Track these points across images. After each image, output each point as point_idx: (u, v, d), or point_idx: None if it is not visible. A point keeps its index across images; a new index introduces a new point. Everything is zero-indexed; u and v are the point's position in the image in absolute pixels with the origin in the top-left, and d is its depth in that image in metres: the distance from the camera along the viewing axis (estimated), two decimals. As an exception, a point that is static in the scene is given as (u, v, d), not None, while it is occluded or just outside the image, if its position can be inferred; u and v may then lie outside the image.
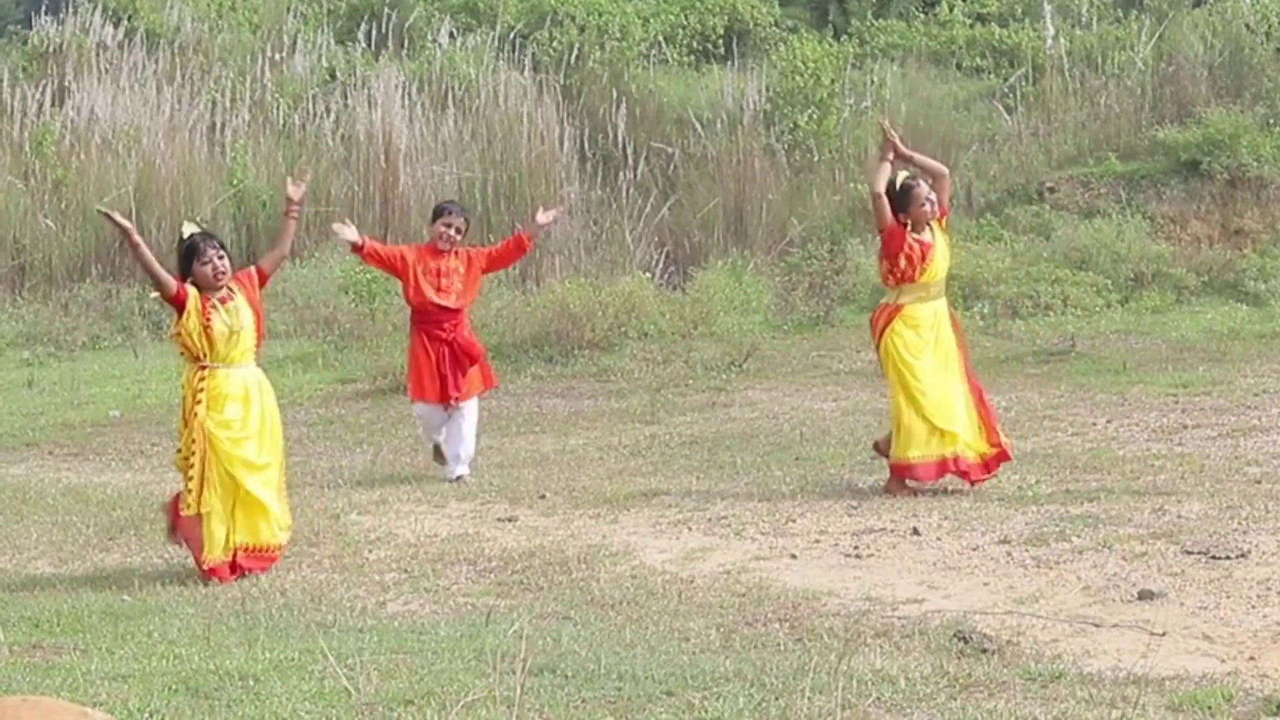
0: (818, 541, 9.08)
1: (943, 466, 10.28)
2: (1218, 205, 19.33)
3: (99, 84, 22.72)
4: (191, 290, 9.14)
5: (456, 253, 12.00)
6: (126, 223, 9.27)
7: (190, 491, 9.06)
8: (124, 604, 8.28)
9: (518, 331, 17.19)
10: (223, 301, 9.17)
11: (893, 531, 9.18)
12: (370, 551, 9.47)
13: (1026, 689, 6.07)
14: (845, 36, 24.92)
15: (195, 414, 9.06)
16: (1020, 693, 6.02)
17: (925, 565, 8.41)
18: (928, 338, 10.38)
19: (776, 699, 5.89)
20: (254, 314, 9.27)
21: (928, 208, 10.39)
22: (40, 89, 22.71)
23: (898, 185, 10.50)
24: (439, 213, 12.28)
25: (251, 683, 6.34)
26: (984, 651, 6.67)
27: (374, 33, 24.45)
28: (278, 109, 22.64)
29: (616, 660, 6.54)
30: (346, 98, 22.35)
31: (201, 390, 9.08)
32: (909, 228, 10.36)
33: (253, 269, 9.57)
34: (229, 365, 9.16)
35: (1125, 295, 17.77)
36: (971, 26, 25.05)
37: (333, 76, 23.32)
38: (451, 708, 5.81)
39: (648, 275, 18.75)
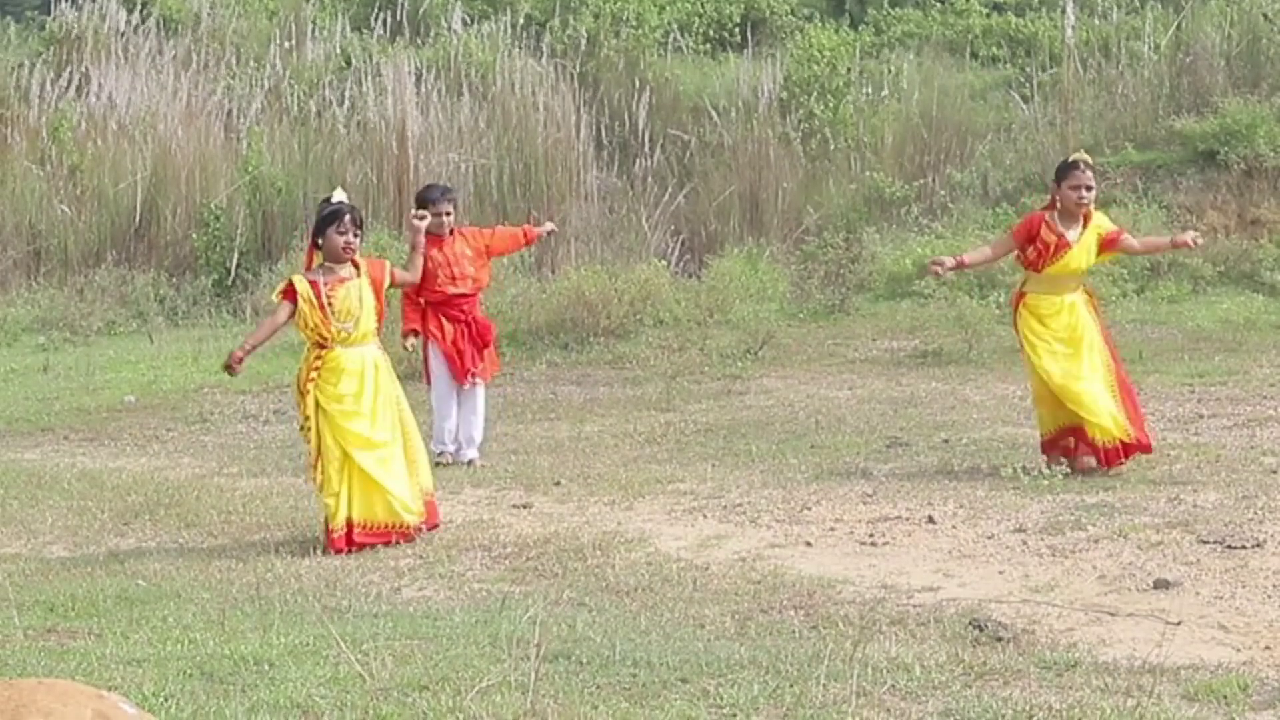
0: (833, 529, 9.07)
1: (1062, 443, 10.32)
2: (1234, 195, 19.26)
3: (116, 70, 22.77)
4: (299, 285, 9.25)
5: (457, 233, 11.93)
6: (239, 353, 9.36)
7: (314, 466, 9.33)
8: (139, 588, 8.29)
9: (533, 318, 17.18)
10: (340, 282, 9.26)
11: (908, 519, 9.16)
12: (385, 537, 9.46)
13: (1041, 677, 6.06)
14: (861, 25, 24.96)
15: (308, 390, 9.28)
16: (1035, 681, 6.02)
17: (940, 553, 8.39)
18: (1053, 326, 10.31)
19: (791, 686, 5.89)
20: (375, 296, 9.37)
21: (1082, 195, 10.25)
22: (58, 75, 22.78)
23: (1068, 159, 10.53)
24: (425, 203, 11.57)
25: (266, 668, 6.34)
26: (999, 640, 6.66)
27: (389, 20, 24.47)
28: (293, 96, 22.66)
29: (631, 647, 6.54)
30: (362, 85, 22.36)
31: (318, 366, 9.28)
32: (1055, 215, 10.30)
33: (389, 264, 9.75)
34: (347, 345, 9.28)
35: (1141, 285, 17.71)
36: (988, 15, 25.07)
37: (348, 63, 23.33)
38: (466, 693, 5.81)
39: (664, 263, 18.74)
